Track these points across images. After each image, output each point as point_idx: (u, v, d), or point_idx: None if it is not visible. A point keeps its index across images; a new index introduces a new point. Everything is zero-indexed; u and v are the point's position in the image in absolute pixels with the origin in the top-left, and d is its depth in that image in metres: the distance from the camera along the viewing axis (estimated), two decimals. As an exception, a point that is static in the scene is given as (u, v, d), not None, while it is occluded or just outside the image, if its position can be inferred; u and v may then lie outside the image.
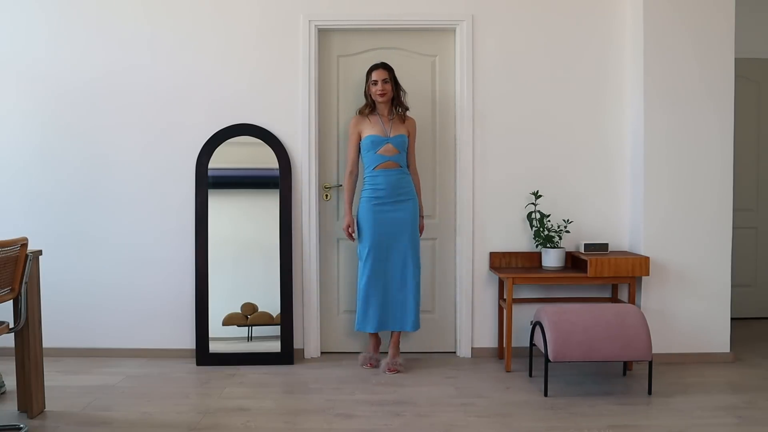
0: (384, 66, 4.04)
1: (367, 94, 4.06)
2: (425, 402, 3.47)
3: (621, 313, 3.60)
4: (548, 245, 4.12)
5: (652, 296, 4.15)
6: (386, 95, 4.01)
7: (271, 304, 4.21)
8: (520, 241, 4.31)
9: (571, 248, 4.30)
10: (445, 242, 4.38)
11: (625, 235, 4.33)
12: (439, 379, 3.87)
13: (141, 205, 4.28)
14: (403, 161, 4.02)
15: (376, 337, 4.13)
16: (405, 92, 4.10)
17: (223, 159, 4.23)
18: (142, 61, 4.26)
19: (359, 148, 4.06)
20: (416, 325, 4.03)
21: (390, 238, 3.98)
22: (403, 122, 4.05)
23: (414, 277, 4.00)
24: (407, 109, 4.08)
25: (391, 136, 3.99)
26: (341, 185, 4.30)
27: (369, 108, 4.05)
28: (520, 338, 4.20)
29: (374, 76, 4.01)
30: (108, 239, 4.28)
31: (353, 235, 4.06)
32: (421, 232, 4.11)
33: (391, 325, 4.03)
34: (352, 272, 4.36)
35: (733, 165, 4.17)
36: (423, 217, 4.15)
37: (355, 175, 4.08)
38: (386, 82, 4.00)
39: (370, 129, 4.00)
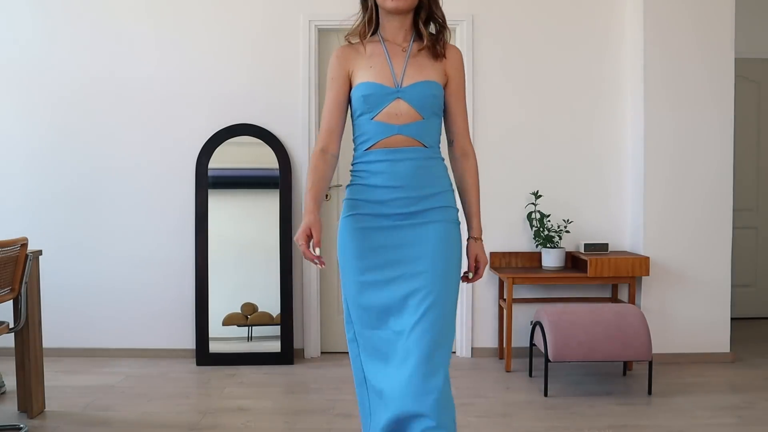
0: None
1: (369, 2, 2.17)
2: (425, 402, 3.46)
3: (621, 313, 3.60)
4: (548, 245, 4.12)
5: (652, 296, 4.15)
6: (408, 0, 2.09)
7: (271, 304, 4.20)
8: (520, 241, 4.31)
9: (571, 248, 4.30)
10: (445, 242, 4.36)
11: (625, 235, 4.33)
12: (439, 379, 3.87)
13: (141, 205, 4.28)
14: (431, 135, 2.16)
15: None
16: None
17: (223, 159, 4.23)
18: (142, 61, 4.26)
19: (345, 106, 2.18)
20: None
21: (396, 284, 2.09)
22: (437, 58, 2.14)
23: (439, 349, 2.01)
24: (445, 28, 2.18)
25: (405, 84, 2.09)
26: (341, 185, 4.29)
27: (368, 27, 2.17)
28: (520, 338, 4.20)
29: None
30: (108, 239, 4.28)
31: (313, 247, 2.03)
32: (480, 270, 2.21)
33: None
34: (352, 272, 4.34)
35: (733, 165, 4.17)
36: (479, 238, 2.24)
37: (331, 154, 2.16)
38: None
39: (366, 70, 2.12)
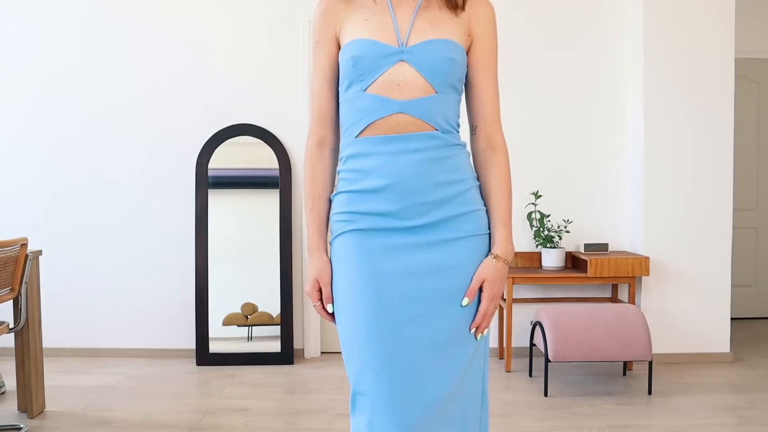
0: None
1: None
2: (425, 402, 3.46)
3: (621, 313, 3.60)
4: (548, 245, 4.12)
5: (652, 296, 4.15)
6: None
7: (271, 304, 4.20)
8: (520, 241, 4.31)
9: (571, 248, 4.30)
10: (445, 242, 4.35)
11: (625, 235, 4.33)
12: (439, 379, 3.87)
13: (141, 205, 4.28)
14: (447, 116, 1.56)
15: None
16: None
17: (223, 159, 4.23)
18: (142, 61, 4.26)
19: (337, 79, 1.63)
20: None
21: (404, 323, 1.51)
22: (456, 10, 1.58)
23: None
24: None
25: (413, 43, 1.54)
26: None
27: None
28: (520, 338, 4.20)
29: None
30: (108, 239, 4.28)
31: (327, 306, 1.64)
32: (484, 307, 1.54)
33: None
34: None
35: (733, 165, 4.17)
36: (500, 257, 1.56)
37: (330, 149, 1.65)
38: None
39: (359, 24, 1.58)
